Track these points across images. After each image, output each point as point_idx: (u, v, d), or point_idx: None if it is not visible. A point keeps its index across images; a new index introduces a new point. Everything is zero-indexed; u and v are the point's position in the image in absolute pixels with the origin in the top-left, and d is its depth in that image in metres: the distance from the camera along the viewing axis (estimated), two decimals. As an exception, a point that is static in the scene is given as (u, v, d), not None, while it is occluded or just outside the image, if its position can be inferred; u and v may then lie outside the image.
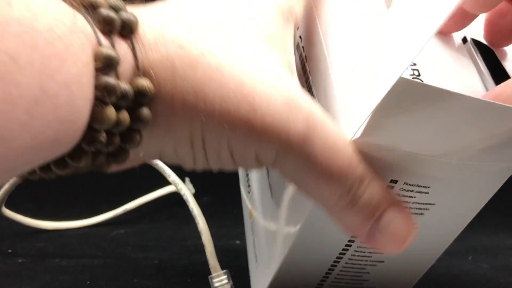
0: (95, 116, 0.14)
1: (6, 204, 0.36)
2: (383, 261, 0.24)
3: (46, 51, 0.12)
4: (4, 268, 0.33)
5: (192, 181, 0.45)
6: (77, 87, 0.13)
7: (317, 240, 0.22)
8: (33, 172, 0.16)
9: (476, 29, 0.23)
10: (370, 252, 0.24)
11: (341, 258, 0.24)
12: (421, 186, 0.20)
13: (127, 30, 0.16)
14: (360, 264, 0.24)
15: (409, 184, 0.20)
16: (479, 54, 0.22)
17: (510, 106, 0.17)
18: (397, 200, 0.19)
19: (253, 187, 0.29)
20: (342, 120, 0.19)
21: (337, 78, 0.20)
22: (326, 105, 0.20)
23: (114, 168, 0.18)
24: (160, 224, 0.43)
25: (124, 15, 0.16)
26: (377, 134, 0.18)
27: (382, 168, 0.18)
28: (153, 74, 0.16)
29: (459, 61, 0.22)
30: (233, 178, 0.50)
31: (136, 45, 0.16)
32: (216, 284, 0.25)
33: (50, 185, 0.47)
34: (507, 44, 0.23)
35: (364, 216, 0.18)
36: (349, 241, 0.23)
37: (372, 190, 0.18)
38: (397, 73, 0.16)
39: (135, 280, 0.31)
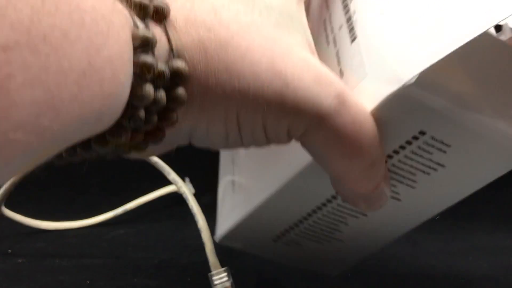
0: (135, 92, 0.15)
1: (6, 204, 0.36)
2: (366, 215, 0.25)
3: (92, 28, 0.13)
4: (4, 268, 0.33)
5: (192, 181, 0.45)
6: (119, 63, 0.14)
7: (310, 186, 0.23)
8: (67, 155, 0.17)
9: None
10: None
11: (325, 205, 0.24)
12: (444, 144, 0.20)
13: (160, 16, 0.17)
14: (343, 213, 0.24)
15: (435, 139, 0.20)
16: None
17: None
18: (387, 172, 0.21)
19: None
20: (388, 67, 0.19)
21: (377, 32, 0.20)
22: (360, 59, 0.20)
23: (149, 152, 0.19)
24: (160, 224, 0.43)
25: (156, 1, 0.17)
26: (432, 83, 0.18)
27: (413, 119, 0.19)
28: (186, 56, 0.17)
29: None
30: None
31: (169, 29, 0.17)
32: (216, 282, 0.25)
33: (50, 185, 0.47)
34: None
35: (372, 188, 0.20)
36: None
37: (384, 165, 0.20)
38: (481, 27, 0.16)
39: (135, 279, 0.31)
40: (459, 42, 0.17)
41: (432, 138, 0.20)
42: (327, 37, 0.23)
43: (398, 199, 0.23)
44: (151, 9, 0.16)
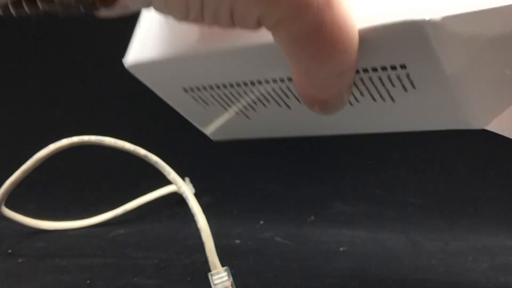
0: None
1: (6, 204, 0.36)
2: (290, 108, 0.24)
3: None
4: (4, 268, 0.33)
5: (192, 181, 0.45)
6: None
7: (252, 63, 0.22)
8: (13, 7, 0.16)
9: None
10: None
11: (254, 84, 0.23)
12: (412, 85, 0.20)
13: None
14: (267, 98, 0.24)
15: (408, 77, 0.20)
16: None
17: None
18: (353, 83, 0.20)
19: None
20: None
21: None
22: None
23: (104, 13, 0.17)
24: (160, 224, 0.43)
25: None
26: (446, 31, 0.18)
27: (407, 51, 0.19)
28: None
29: None
30: (233, 178, 0.50)
31: None
32: (216, 281, 0.25)
33: (50, 185, 0.48)
34: None
35: (333, 96, 0.19)
36: None
37: (352, 77, 0.19)
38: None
39: (135, 279, 0.31)
40: (491, 4, 0.17)
41: (407, 75, 0.20)
42: None
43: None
44: None
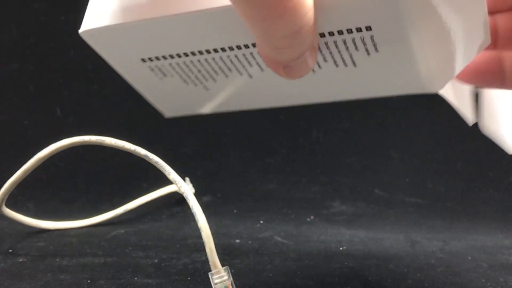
0: None
1: (6, 204, 0.36)
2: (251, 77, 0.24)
3: None
4: (4, 268, 0.33)
5: (192, 181, 0.45)
6: None
7: (208, 29, 0.21)
8: None
9: None
10: None
11: (213, 51, 0.23)
12: (375, 49, 0.20)
13: None
14: (228, 65, 0.24)
15: (372, 40, 0.20)
16: None
17: None
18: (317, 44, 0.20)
19: None
20: None
21: None
22: None
23: None
24: (160, 224, 0.43)
25: None
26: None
27: (374, 11, 0.19)
28: None
29: None
30: (233, 178, 0.50)
31: None
32: (216, 281, 0.25)
33: (50, 185, 0.48)
34: None
35: (293, 57, 0.19)
36: None
37: (312, 36, 0.19)
38: None
39: (136, 278, 0.31)
40: None
41: (371, 38, 0.20)
42: None
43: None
44: None
